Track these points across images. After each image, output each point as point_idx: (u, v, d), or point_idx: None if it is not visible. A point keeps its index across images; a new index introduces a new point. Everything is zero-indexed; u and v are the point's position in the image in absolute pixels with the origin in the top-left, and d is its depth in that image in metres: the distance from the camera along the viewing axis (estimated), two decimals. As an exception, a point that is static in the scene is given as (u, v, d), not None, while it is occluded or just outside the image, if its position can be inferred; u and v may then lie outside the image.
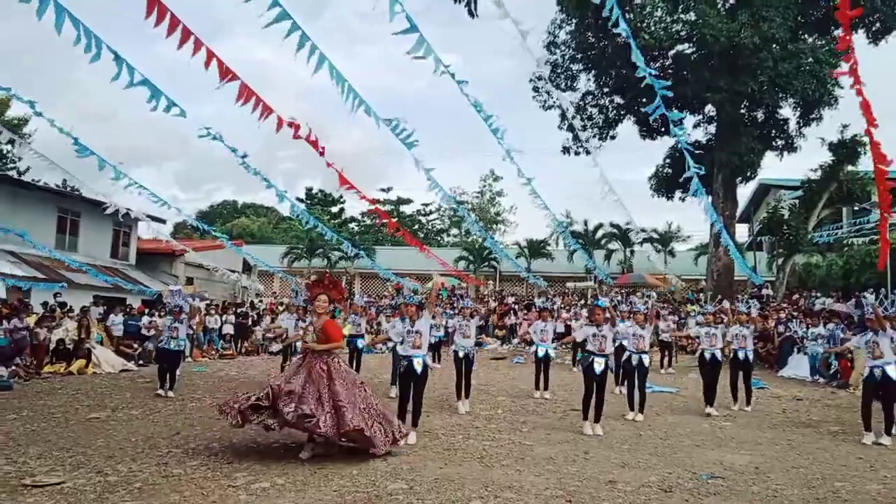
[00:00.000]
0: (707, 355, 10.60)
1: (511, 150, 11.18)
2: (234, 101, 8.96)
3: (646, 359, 9.92)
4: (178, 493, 5.51)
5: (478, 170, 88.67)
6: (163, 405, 10.14)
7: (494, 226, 46.94)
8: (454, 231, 55.23)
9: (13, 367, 12.70)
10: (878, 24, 22.35)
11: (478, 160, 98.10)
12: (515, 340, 23.37)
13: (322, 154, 11.02)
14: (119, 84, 8.13)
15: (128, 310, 18.91)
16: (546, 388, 11.73)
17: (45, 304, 17.13)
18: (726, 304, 12.39)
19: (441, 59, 8.55)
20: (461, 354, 10.19)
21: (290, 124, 10.04)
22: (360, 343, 12.71)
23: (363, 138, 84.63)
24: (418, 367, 7.88)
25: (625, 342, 10.18)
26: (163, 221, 25.13)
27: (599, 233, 36.28)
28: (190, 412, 9.58)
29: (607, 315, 8.65)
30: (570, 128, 25.91)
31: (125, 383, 12.88)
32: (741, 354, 10.76)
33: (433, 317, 9.08)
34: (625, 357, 10.07)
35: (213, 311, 20.27)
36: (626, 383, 10.37)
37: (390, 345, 11.70)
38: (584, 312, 13.62)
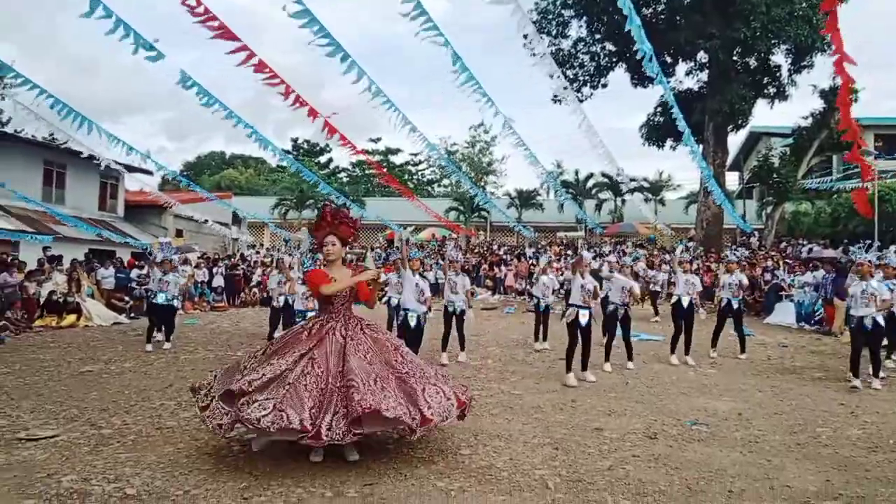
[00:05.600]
0: (684, 302, 10.50)
1: (508, 119, 11.21)
2: (225, 52, 8.97)
3: (629, 310, 9.99)
4: (171, 444, 5.58)
5: (468, 117, 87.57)
6: (155, 358, 10.21)
7: (486, 176, 46.72)
8: (445, 182, 54.96)
9: (3, 322, 12.71)
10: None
11: (468, 107, 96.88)
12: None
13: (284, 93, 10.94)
14: (100, 27, 8.04)
15: (118, 263, 18.85)
16: (545, 339, 11.70)
17: (40, 260, 16.88)
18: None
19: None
20: (450, 310, 10.16)
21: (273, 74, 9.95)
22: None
23: (352, 87, 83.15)
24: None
25: (612, 294, 10.01)
26: (150, 173, 24.90)
27: (590, 182, 36.24)
28: (182, 364, 9.66)
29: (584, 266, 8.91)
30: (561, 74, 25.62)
31: (117, 336, 12.94)
32: (734, 303, 10.85)
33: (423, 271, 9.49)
34: (610, 309, 9.91)
35: (201, 264, 20.20)
36: (604, 334, 10.10)
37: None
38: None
